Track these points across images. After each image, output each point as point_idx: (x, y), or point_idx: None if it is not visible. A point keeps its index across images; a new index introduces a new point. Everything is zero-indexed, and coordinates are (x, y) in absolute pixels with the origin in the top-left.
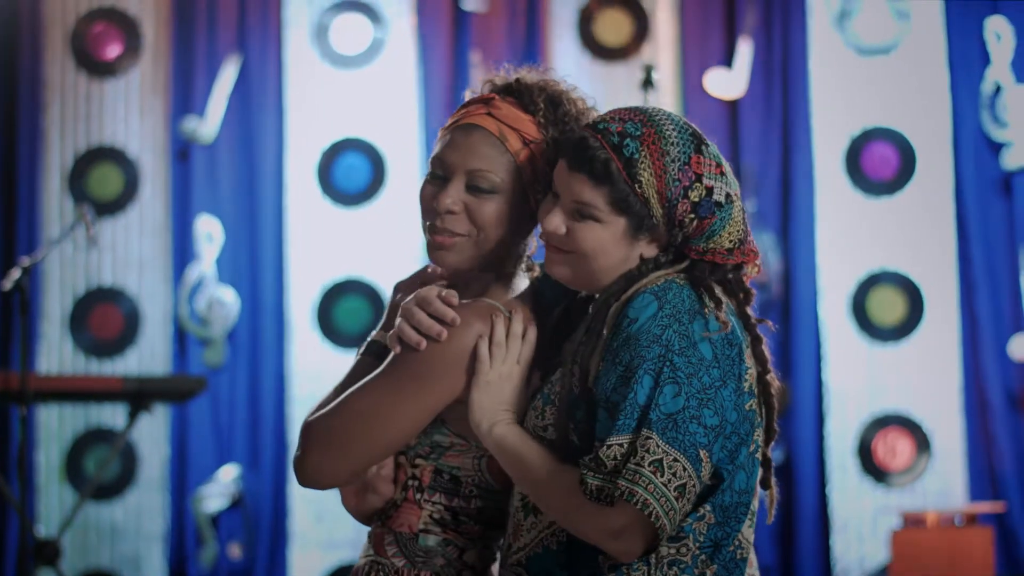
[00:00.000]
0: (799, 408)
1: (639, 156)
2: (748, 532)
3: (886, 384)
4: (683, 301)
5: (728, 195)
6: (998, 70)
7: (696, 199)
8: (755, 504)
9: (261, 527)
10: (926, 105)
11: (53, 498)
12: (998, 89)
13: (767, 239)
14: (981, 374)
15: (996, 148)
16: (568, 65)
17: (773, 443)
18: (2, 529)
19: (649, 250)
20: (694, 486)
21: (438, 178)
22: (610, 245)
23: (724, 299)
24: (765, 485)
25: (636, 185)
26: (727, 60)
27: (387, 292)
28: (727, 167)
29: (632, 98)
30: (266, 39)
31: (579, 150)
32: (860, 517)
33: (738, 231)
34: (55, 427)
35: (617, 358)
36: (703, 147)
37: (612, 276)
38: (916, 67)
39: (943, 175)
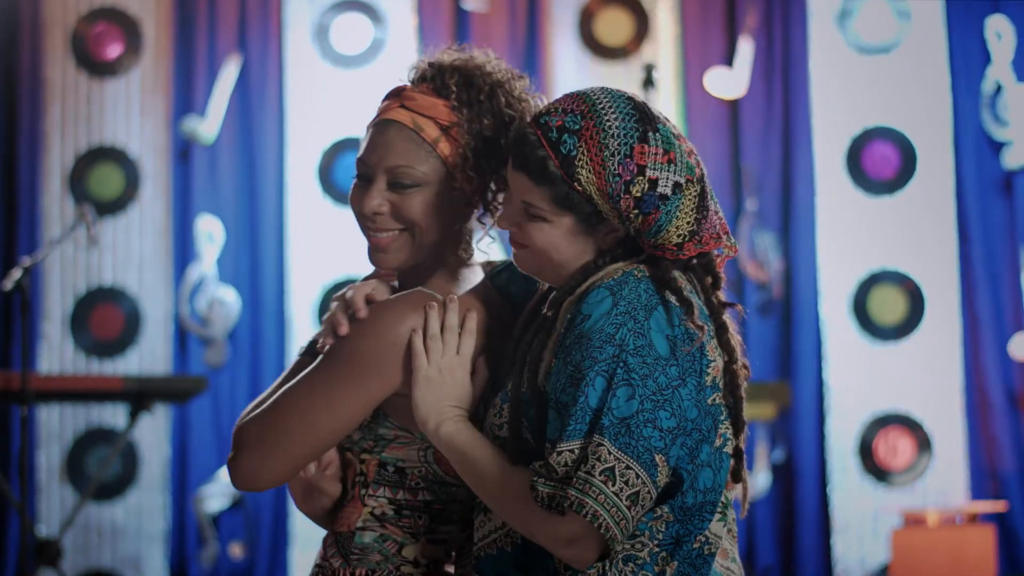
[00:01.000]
0: (800, 407)
1: (576, 152)
2: (717, 526)
3: (887, 383)
4: (639, 296)
5: (676, 184)
6: (999, 69)
7: (638, 194)
8: (729, 496)
9: (262, 527)
10: (927, 104)
11: (54, 498)
12: (999, 88)
13: (768, 238)
14: (982, 373)
15: (997, 147)
16: (568, 64)
17: (744, 435)
18: (3, 529)
19: (607, 241)
20: (648, 492)
21: (363, 179)
22: (561, 242)
23: (689, 287)
24: (737, 478)
25: (575, 183)
26: (728, 59)
27: None
28: (680, 150)
29: None
30: (267, 39)
31: (518, 147)
32: (861, 517)
33: (688, 223)
34: (56, 427)
35: (568, 357)
36: (649, 133)
37: (571, 266)
38: (917, 66)
39: (944, 174)
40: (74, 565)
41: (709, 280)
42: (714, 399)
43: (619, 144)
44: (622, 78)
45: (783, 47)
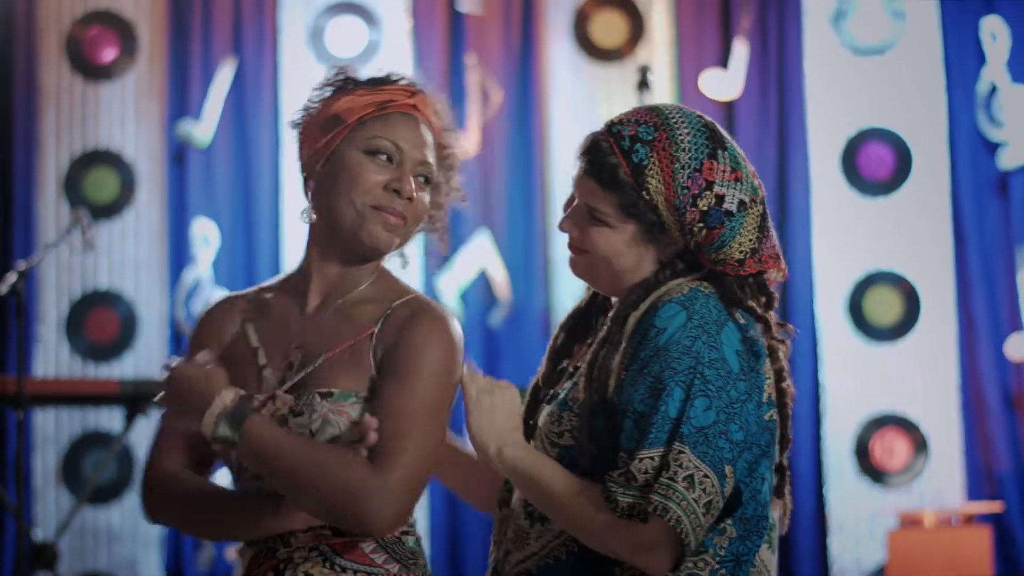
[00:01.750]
0: (796, 409)
1: (648, 163)
2: (766, 553)
3: (883, 384)
4: (710, 311)
5: (741, 202)
6: (994, 70)
7: (705, 208)
8: (773, 518)
9: None
10: (922, 105)
11: (50, 502)
12: (994, 89)
13: None
14: (978, 374)
15: (992, 148)
16: (563, 67)
17: (787, 452)
18: None
19: (667, 253)
20: (718, 503)
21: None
22: (623, 249)
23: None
24: (779, 494)
25: (644, 192)
26: (723, 61)
27: None
28: (746, 171)
29: (627, 100)
30: (262, 42)
31: (590, 154)
32: (857, 517)
33: (750, 240)
34: (52, 431)
35: (646, 368)
36: (719, 151)
37: (632, 278)
38: (912, 67)
39: (939, 175)
40: (71, 569)
41: (763, 299)
42: (770, 415)
43: (689, 158)
44: (617, 80)
45: (778, 48)
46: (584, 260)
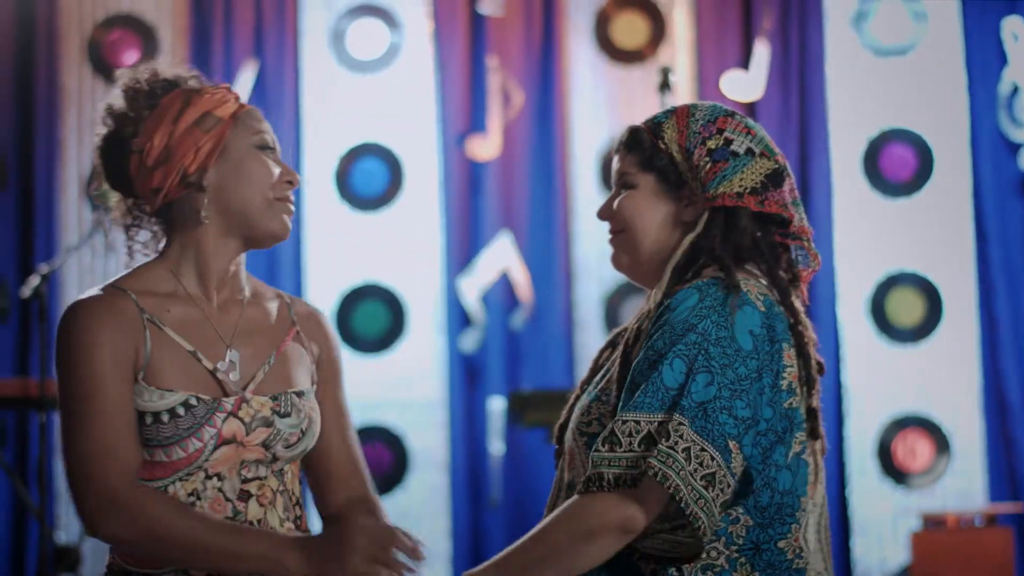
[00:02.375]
0: None
1: (666, 120)
2: (810, 537)
3: (905, 385)
4: (726, 296)
5: (750, 149)
6: (1015, 70)
7: (712, 146)
8: (816, 510)
9: None
10: (943, 106)
11: (72, 505)
12: (1015, 89)
13: None
14: (1000, 375)
15: (1014, 148)
16: (584, 68)
17: (818, 446)
18: (22, 535)
19: (687, 212)
20: (724, 476)
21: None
22: (644, 206)
23: (764, 294)
24: (814, 435)
25: (660, 142)
26: (744, 62)
27: (405, 297)
28: (762, 132)
29: (649, 101)
30: (283, 45)
31: (623, 135)
32: (880, 519)
33: (753, 181)
34: None
35: (650, 343)
36: (737, 115)
37: (655, 244)
38: (933, 68)
39: (961, 176)
40: (93, 571)
41: (787, 277)
42: (791, 403)
43: (705, 114)
44: (638, 81)
45: (799, 50)
46: (619, 243)
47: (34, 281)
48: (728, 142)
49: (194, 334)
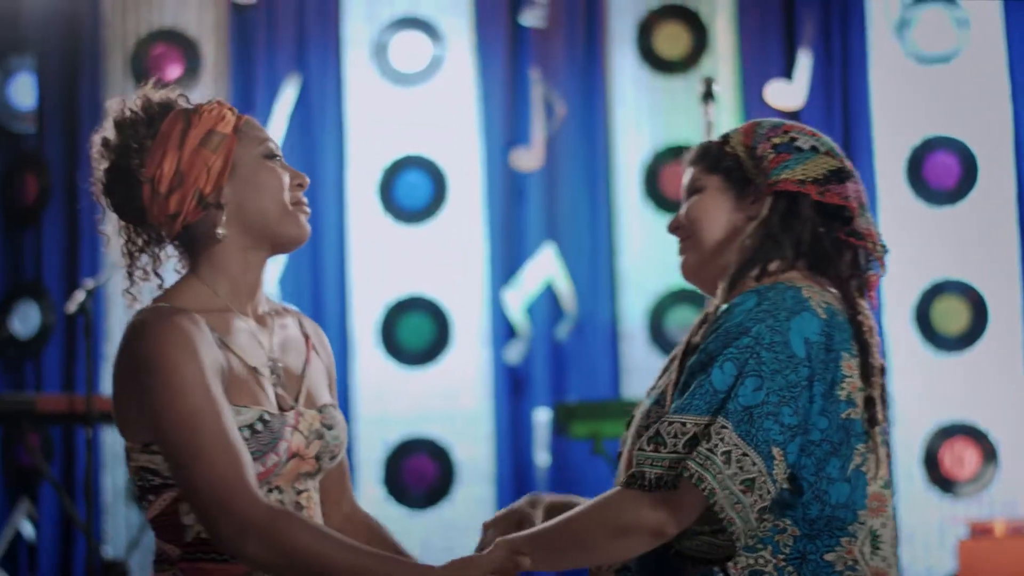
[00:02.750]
0: None
1: (735, 131)
2: (865, 551)
3: (951, 394)
4: (784, 300)
5: (814, 147)
6: None
7: (777, 142)
8: (883, 527)
9: None
10: (987, 113)
11: (120, 519)
12: None
13: None
14: None
15: None
16: (627, 78)
17: (879, 455)
18: (70, 550)
19: (752, 209)
20: (765, 482)
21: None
22: (710, 204)
23: (827, 303)
24: (873, 423)
25: (727, 146)
26: (787, 71)
27: (450, 309)
28: (829, 139)
29: (692, 112)
30: (325, 58)
31: (693, 149)
32: (927, 527)
33: (815, 173)
34: (120, 449)
35: (704, 345)
36: (802, 124)
37: (720, 243)
38: (977, 75)
39: (1006, 183)
40: None
41: (854, 283)
42: (848, 414)
43: (773, 123)
44: (681, 92)
45: (842, 58)
46: (686, 246)
47: (80, 296)
48: (793, 140)
49: (247, 350)
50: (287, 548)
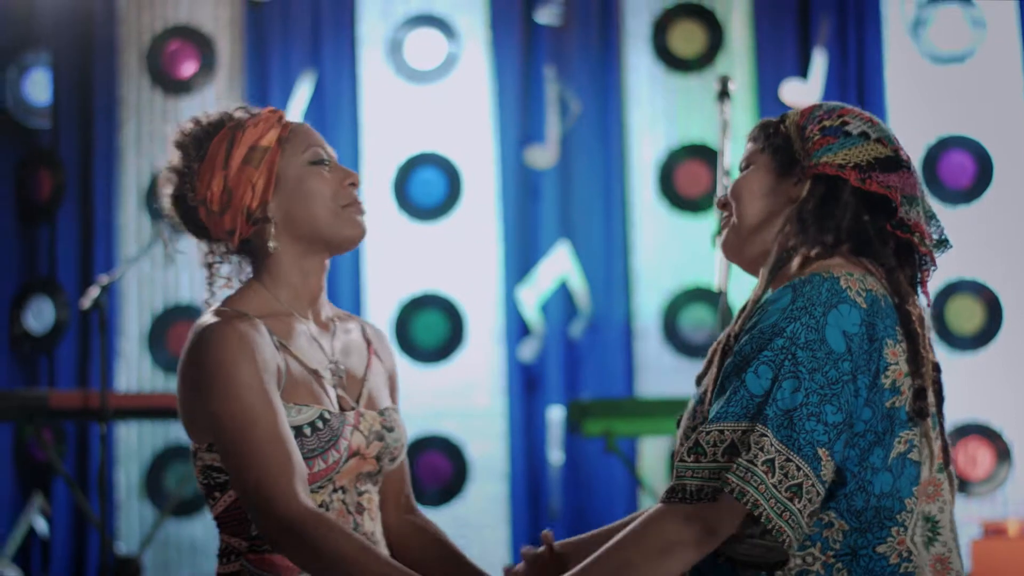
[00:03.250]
0: None
1: (795, 110)
2: (918, 540)
3: (965, 393)
4: (820, 293)
5: (864, 133)
6: None
7: (827, 124)
8: (940, 512)
9: None
10: (1002, 112)
11: (133, 515)
12: None
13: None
14: None
15: None
16: (642, 77)
17: (934, 443)
18: (83, 546)
19: (794, 191)
20: (813, 486)
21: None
22: (753, 183)
23: (868, 290)
24: (922, 415)
25: (782, 125)
26: (802, 71)
27: (464, 306)
28: (886, 125)
29: (707, 110)
30: (340, 55)
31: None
32: None
33: (859, 159)
34: (135, 444)
35: (739, 346)
36: (863, 109)
37: (758, 219)
38: (992, 74)
39: (1020, 183)
40: None
41: (892, 260)
42: (893, 402)
43: (833, 105)
44: (696, 90)
45: (857, 58)
46: (728, 223)
47: (94, 292)
48: (844, 123)
49: (307, 353)
50: (321, 551)
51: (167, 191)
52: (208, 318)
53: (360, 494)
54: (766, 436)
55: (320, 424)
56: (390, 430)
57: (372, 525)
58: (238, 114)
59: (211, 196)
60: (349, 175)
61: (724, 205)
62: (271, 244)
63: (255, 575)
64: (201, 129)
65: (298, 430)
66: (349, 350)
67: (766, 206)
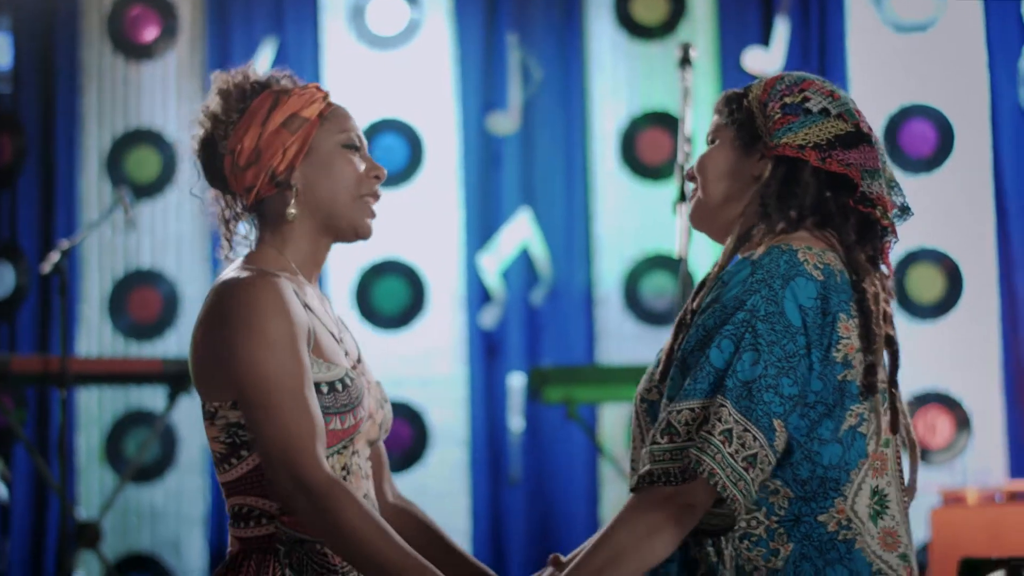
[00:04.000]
0: None
1: (758, 82)
2: (860, 509)
3: (925, 362)
4: (779, 267)
5: (825, 109)
6: None
7: (789, 102)
8: (888, 486)
9: None
10: (964, 82)
11: (93, 481)
12: None
13: None
14: (1021, 351)
15: None
16: (605, 44)
17: (890, 422)
18: (43, 512)
19: (756, 167)
20: (767, 456)
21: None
22: (719, 159)
23: (825, 263)
24: (894, 429)
25: (745, 99)
26: (764, 39)
27: (426, 273)
28: (847, 98)
29: (669, 77)
30: (302, 21)
31: (719, 99)
32: None
33: (819, 138)
34: (95, 410)
35: (699, 319)
36: (825, 81)
37: (723, 194)
38: (954, 44)
39: (982, 152)
40: (113, 548)
41: (853, 235)
42: (845, 376)
43: (794, 78)
44: (659, 57)
45: (819, 26)
46: (695, 195)
47: (54, 257)
48: (805, 100)
49: (321, 315)
50: (333, 518)
51: (199, 133)
52: (235, 274)
53: (366, 460)
54: (724, 407)
55: (348, 382)
56: (385, 400)
57: (371, 491)
58: (285, 82)
59: (241, 149)
60: (376, 168)
61: (692, 177)
62: (291, 211)
63: (292, 538)
64: (248, 83)
65: (331, 385)
66: (332, 313)
67: (730, 183)
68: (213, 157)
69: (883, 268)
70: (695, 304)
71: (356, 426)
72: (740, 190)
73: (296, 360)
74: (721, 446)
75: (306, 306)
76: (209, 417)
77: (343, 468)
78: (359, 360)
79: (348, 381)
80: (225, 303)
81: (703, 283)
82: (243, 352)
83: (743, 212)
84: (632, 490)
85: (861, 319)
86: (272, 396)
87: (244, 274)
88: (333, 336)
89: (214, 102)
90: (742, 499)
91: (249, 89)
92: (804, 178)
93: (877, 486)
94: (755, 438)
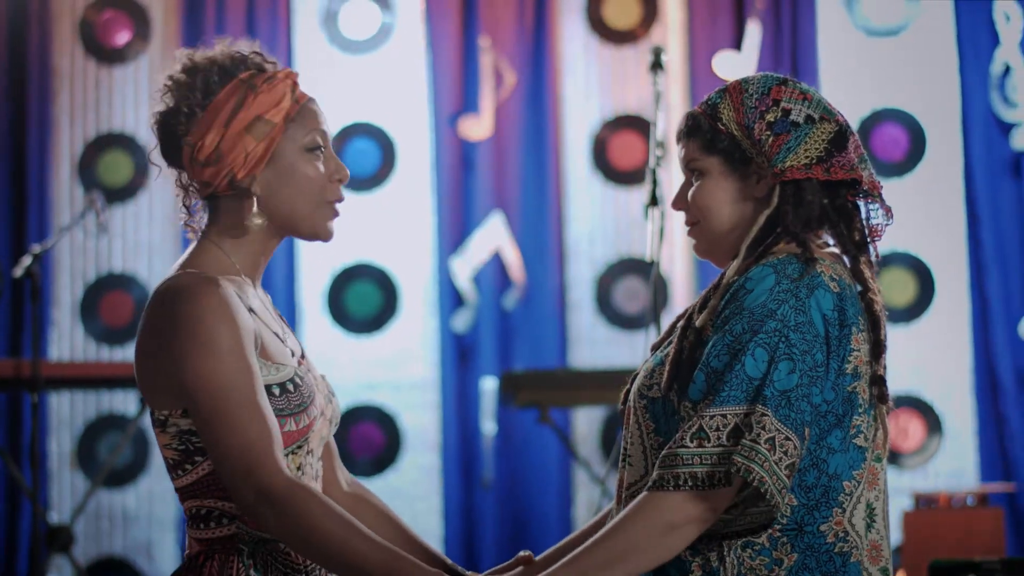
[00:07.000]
0: None
1: (720, 101)
2: (857, 522)
3: (897, 366)
4: (801, 276)
5: (809, 116)
6: (1007, 51)
7: (772, 119)
8: (876, 500)
9: None
10: (935, 86)
11: (65, 485)
12: (1007, 70)
13: None
14: (992, 355)
15: (1006, 129)
16: (577, 48)
17: (882, 436)
18: (15, 516)
19: (759, 189)
20: (798, 462)
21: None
22: (716, 190)
23: (839, 276)
24: (882, 399)
25: (719, 123)
26: (736, 43)
27: (398, 276)
28: (818, 95)
29: (641, 81)
30: (275, 25)
31: (682, 122)
32: None
33: (817, 150)
34: (67, 414)
35: (727, 326)
36: (789, 81)
37: (731, 225)
38: (925, 48)
39: (953, 156)
40: (86, 551)
41: (856, 237)
42: (854, 387)
43: (758, 87)
44: (631, 61)
45: (791, 30)
46: (696, 231)
47: (26, 261)
48: (786, 112)
49: (264, 317)
50: (301, 523)
51: (160, 106)
52: (178, 279)
53: (318, 460)
54: (767, 416)
55: (297, 381)
56: (333, 394)
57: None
58: (254, 60)
59: (202, 145)
60: (340, 170)
61: (682, 208)
62: (256, 221)
63: (256, 538)
64: (215, 69)
65: (282, 387)
66: (276, 315)
67: (735, 211)
68: (172, 143)
69: (875, 257)
70: (711, 306)
71: (310, 425)
72: (744, 214)
73: (245, 367)
74: (768, 454)
75: (249, 309)
76: (160, 425)
77: (298, 468)
78: (303, 356)
79: (298, 380)
80: (168, 311)
81: (714, 287)
82: (191, 363)
83: (750, 235)
84: (652, 488)
85: (872, 330)
86: (225, 407)
87: (185, 280)
88: (277, 336)
89: (183, 79)
90: (783, 505)
91: (216, 76)
92: (810, 193)
93: (868, 499)
94: (795, 446)
